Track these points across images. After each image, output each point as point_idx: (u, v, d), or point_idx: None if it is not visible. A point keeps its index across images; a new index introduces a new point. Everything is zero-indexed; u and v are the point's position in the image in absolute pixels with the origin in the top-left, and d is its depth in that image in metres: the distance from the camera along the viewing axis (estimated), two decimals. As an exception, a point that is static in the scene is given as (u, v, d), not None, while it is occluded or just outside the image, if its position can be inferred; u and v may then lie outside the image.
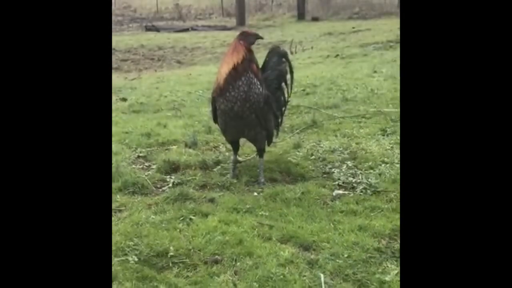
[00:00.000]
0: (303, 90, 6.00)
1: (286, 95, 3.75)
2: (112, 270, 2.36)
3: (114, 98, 6.00)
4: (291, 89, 3.77)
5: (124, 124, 4.75)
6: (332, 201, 3.13)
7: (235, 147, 3.56)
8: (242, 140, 3.63)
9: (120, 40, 12.98)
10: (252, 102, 3.23)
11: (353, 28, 13.18)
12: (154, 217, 2.92)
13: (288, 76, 3.72)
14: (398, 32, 10.82)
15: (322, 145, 4.07)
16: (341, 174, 3.51)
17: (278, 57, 3.71)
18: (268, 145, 3.60)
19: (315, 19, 16.57)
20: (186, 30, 15.55)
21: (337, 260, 2.47)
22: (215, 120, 3.50)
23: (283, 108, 3.75)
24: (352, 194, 3.21)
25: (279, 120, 3.73)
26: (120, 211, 3.03)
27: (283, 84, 3.71)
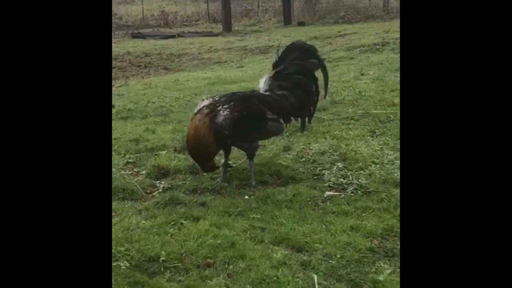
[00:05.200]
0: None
1: (313, 93, 3.60)
2: (104, 276, 2.34)
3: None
4: (326, 86, 3.61)
5: (112, 131, 4.71)
6: (324, 202, 3.12)
7: (226, 151, 3.54)
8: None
9: (106, 47, 12.89)
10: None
11: (339, 32, 13.23)
12: (144, 222, 2.90)
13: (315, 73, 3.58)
14: (384, 35, 10.95)
15: (311, 147, 4.07)
16: (332, 175, 3.51)
17: (302, 52, 3.56)
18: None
19: (301, 23, 16.61)
20: (172, 36, 15.50)
21: (330, 261, 2.47)
22: None
23: (308, 109, 3.64)
24: (343, 195, 3.21)
25: (304, 118, 3.67)
26: (110, 217, 3.00)
27: (306, 80, 3.55)
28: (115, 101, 6.19)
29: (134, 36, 15.80)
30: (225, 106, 3.29)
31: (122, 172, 3.71)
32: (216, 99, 3.36)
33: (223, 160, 3.57)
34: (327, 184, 3.38)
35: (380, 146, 4.01)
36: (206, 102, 3.36)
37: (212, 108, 3.28)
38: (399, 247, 2.52)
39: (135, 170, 3.78)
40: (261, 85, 3.57)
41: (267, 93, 3.51)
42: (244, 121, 3.29)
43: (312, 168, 3.68)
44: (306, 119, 3.72)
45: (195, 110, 3.38)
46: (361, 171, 3.54)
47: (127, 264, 2.46)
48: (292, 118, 3.65)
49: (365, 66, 7.58)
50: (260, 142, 3.65)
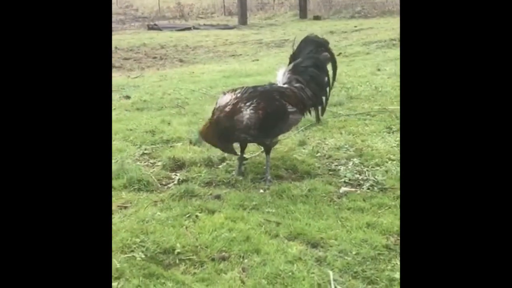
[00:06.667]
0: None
1: (326, 85, 3.64)
2: (119, 267, 2.35)
3: (117, 96, 5.98)
4: (333, 80, 3.65)
5: (127, 122, 4.73)
6: (339, 198, 3.10)
7: (243, 145, 3.53)
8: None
9: (122, 39, 12.95)
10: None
11: (355, 26, 13.15)
12: (160, 214, 2.90)
13: (327, 65, 3.62)
14: (401, 30, 10.82)
15: (327, 143, 4.05)
16: (348, 171, 3.48)
17: (315, 46, 3.62)
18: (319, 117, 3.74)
19: (316, 18, 16.52)
20: (188, 29, 15.50)
21: (346, 257, 2.45)
22: None
23: (321, 100, 3.66)
24: (359, 191, 3.18)
25: (318, 109, 3.69)
26: (125, 208, 3.00)
27: (320, 73, 3.58)
28: (131, 92, 6.21)
29: (150, 28, 15.83)
30: (248, 104, 3.26)
31: (138, 163, 3.72)
32: (238, 95, 3.34)
33: (238, 153, 3.55)
34: (342, 179, 3.36)
35: (397, 143, 3.97)
36: (227, 98, 3.34)
37: (235, 107, 3.27)
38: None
39: (151, 161, 3.79)
40: (279, 78, 3.56)
41: (285, 85, 3.50)
42: (268, 118, 3.28)
43: (327, 163, 3.65)
44: (320, 110, 3.71)
45: (216, 106, 3.35)
46: (378, 167, 3.51)
47: (142, 256, 2.46)
48: (308, 109, 3.63)
49: (381, 62, 7.53)
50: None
